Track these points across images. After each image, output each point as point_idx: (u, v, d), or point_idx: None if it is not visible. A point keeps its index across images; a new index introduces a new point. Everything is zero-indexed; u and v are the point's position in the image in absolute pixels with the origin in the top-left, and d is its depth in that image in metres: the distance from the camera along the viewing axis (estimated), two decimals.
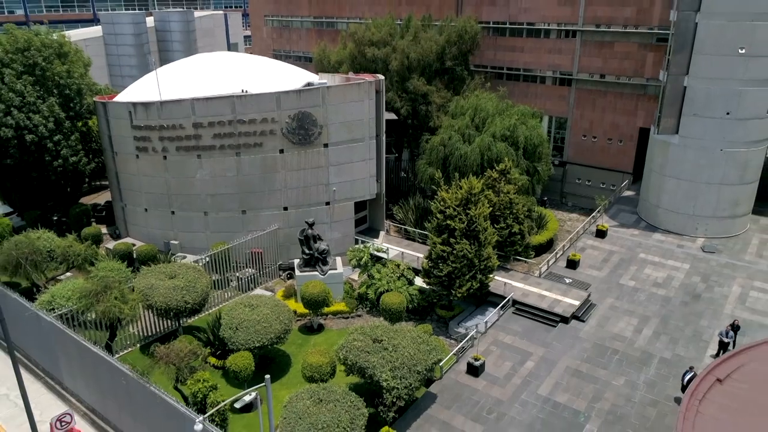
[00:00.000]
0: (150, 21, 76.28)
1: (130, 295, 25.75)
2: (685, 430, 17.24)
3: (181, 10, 78.58)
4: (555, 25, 45.51)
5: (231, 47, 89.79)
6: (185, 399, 23.07)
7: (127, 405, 22.93)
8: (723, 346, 26.32)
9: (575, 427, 23.05)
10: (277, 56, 65.99)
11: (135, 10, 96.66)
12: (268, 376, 17.37)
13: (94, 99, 39.62)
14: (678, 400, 23.75)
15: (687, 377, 23.45)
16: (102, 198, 49.45)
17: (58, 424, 21.39)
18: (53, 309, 26.57)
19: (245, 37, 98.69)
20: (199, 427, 15.80)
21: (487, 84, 44.65)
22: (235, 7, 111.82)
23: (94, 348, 23.11)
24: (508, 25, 47.65)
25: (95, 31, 74.97)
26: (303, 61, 63.16)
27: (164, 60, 78.15)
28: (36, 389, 26.86)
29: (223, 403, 18.53)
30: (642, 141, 43.55)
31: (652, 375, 25.77)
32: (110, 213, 44.23)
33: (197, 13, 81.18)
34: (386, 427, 22.19)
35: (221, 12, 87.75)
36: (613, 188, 45.78)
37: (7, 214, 43.00)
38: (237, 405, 24.09)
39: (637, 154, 44.47)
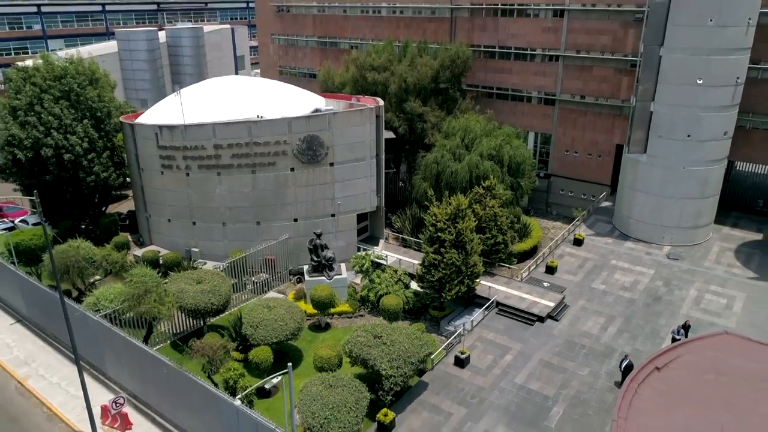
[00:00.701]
0: (162, 37, 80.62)
1: (166, 298, 30.04)
2: (622, 407, 21.53)
3: (192, 26, 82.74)
4: (540, 50, 49.83)
5: (238, 59, 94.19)
6: (215, 385, 27.34)
7: (167, 391, 27.19)
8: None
9: (544, 410, 27.38)
10: (283, 72, 70.41)
11: (145, 23, 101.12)
12: (290, 364, 21.63)
13: (121, 120, 43.79)
14: (618, 384, 28.18)
15: (624, 364, 27.94)
16: (123, 207, 53.68)
17: (113, 405, 25.67)
18: (98, 310, 30.83)
19: (251, 47, 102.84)
20: (238, 402, 20.10)
21: (476, 107, 48.93)
22: (240, 18, 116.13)
23: (139, 343, 27.40)
24: (497, 49, 51.99)
25: (111, 46, 79.22)
26: (308, 77, 67.54)
27: (175, 73, 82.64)
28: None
29: (254, 386, 22.85)
30: (618, 156, 47.73)
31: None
32: (133, 222, 48.53)
33: (206, 28, 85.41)
34: (385, 409, 26.50)
35: (228, 26, 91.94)
36: (593, 199, 50.10)
37: (37, 224, 47.18)
38: (266, 386, 28.28)
39: (614, 168, 48.77)
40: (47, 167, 40.38)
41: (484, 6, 51.64)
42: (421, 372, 29.64)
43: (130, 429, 27.37)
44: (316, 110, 40.54)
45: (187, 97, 43.15)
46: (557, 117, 50.78)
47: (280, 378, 22.26)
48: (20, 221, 48.84)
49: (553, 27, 48.50)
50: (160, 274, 36.05)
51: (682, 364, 24.50)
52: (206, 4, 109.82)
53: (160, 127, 39.63)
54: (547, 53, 49.56)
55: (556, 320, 34.11)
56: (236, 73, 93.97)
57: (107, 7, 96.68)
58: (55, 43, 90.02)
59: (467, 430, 26.27)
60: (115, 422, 27.50)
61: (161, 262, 39.86)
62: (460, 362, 30.41)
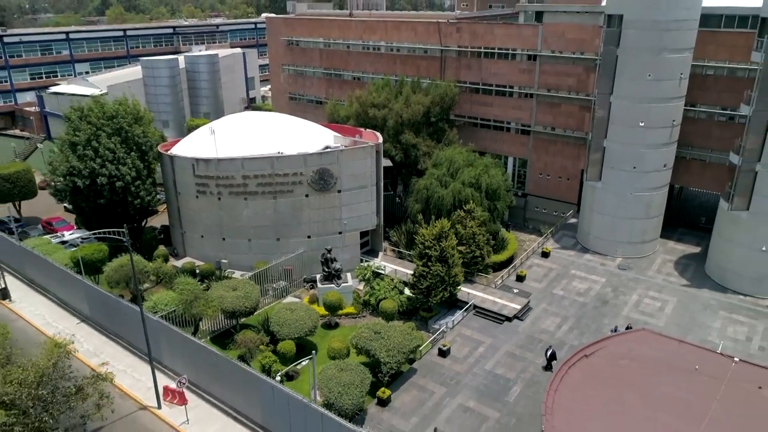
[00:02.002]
0: (181, 62, 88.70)
1: (210, 302, 38.14)
2: (553, 385, 29.58)
3: (208, 53, 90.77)
4: (517, 88, 58.01)
5: (249, 81, 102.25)
6: None
7: (215, 375, 35.21)
8: None
9: (506, 389, 35.49)
10: (292, 99, 78.48)
11: (162, 46, 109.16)
12: (314, 352, 29.81)
13: (159, 151, 51.64)
14: (543, 368, 36.41)
15: (549, 352, 36.21)
16: (155, 221, 61.55)
17: (179, 383, 33.68)
18: (156, 312, 38.87)
19: (261, 66, 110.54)
20: (278, 378, 28.21)
21: (460, 140, 57.11)
22: (249, 38, 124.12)
23: (193, 338, 35.48)
24: (481, 86, 60.15)
25: (136, 72, 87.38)
26: (314, 103, 75.62)
27: (193, 95, 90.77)
28: (143, 367, 38.99)
29: (287, 368, 30.94)
30: (584, 179, 55.89)
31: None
32: (166, 235, 56.54)
33: (221, 54, 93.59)
34: (383, 388, 34.62)
35: (240, 50, 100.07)
36: (563, 215, 58.23)
37: (85, 238, 55.07)
38: (290, 372, 36.36)
39: (580, 189, 56.85)
40: (102, 193, 48.37)
41: (469, 49, 59.78)
42: (411, 360, 37.72)
43: (186, 404, 35.40)
44: (327, 147, 48.69)
45: (218, 130, 51.07)
46: (532, 145, 58.94)
47: (306, 362, 30.16)
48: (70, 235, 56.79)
49: (528, 69, 56.66)
50: (199, 281, 44.25)
51: (605, 352, 32.58)
52: (218, 26, 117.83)
53: (197, 160, 47.67)
54: (522, 91, 57.76)
55: (521, 320, 42.25)
56: (247, 92, 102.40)
57: (128, 32, 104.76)
58: (81, 66, 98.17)
59: (446, 404, 34.42)
60: (174, 399, 35.54)
61: (198, 271, 47.91)
62: (443, 353, 38.54)
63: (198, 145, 50.80)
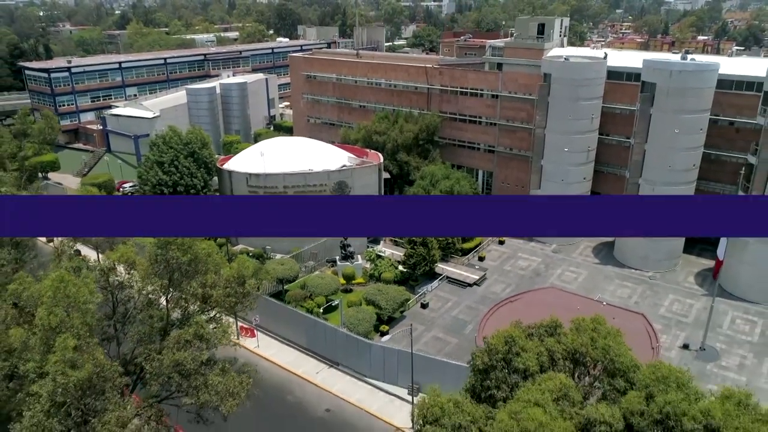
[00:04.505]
0: (218, 89, 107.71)
1: (269, 272, 57.17)
2: (485, 317, 48.53)
3: (239, 80, 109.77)
4: (484, 118, 77.04)
5: (270, 101, 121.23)
6: None
7: (274, 317, 54.18)
8: None
9: (464, 326, 54.44)
10: (309, 121, 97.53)
11: (195, 71, 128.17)
12: (342, 299, 48.77)
13: (218, 166, 70.64)
14: None
15: None
16: None
17: (253, 320, 52.65)
18: None
19: (279, 85, 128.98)
20: (321, 310, 47.30)
21: (441, 160, 76.29)
22: (267, 61, 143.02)
23: (264, 295, 54.48)
24: (458, 115, 79.19)
25: (180, 97, 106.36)
26: (328, 125, 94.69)
27: (226, 115, 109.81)
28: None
29: (323, 306, 50.11)
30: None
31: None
32: None
33: (249, 80, 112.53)
34: (383, 325, 53.59)
35: (263, 76, 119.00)
36: None
37: None
38: (330, 309, 55.50)
39: None
40: None
41: (449, 87, 78.79)
42: (402, 311, 56.69)
43: (255, 337, 54.34)
44: (343, 165, 67.81)
45: (265, 152, 69.80)
46: (496, 161, 77.99)
47: (338, 302, 49.32)
48: None
49: (492, 104, 75.71)
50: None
51: (523, 300, 51.62)
52: (240, 52, 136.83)
53: (249, 174, 66.59)
54: (488, 120, 76.79)
55: (479, 285, 61.26)
56: (269, 111, 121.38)
57: (168, 60, 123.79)
58: (130, 90, 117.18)
59: (424, 335, 53.44)
60: (247, 333, 54.56)
61: (250, 254, 66.88)
62: (424, 306, 57.53)
63: (247, 162, 69.74)
